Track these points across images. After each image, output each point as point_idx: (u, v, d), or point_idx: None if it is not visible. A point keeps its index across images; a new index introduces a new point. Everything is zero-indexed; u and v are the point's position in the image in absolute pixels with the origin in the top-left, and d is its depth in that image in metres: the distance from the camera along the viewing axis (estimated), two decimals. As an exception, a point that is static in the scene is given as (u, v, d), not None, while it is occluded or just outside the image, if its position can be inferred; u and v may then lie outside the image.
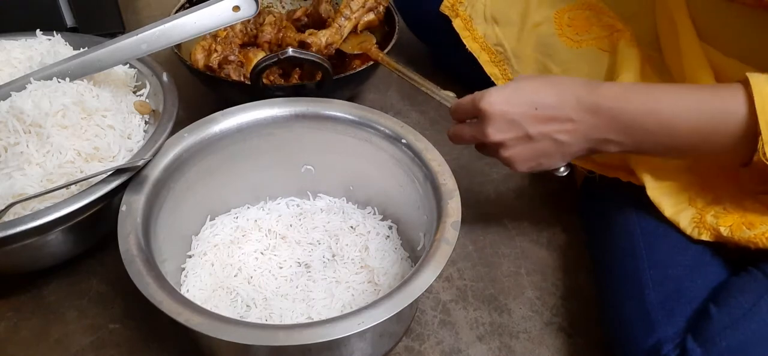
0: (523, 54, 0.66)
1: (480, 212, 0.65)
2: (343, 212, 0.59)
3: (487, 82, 0.67)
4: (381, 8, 0.70)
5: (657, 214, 0.50)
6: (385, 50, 0.71)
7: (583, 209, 0.63)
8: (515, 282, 0.58)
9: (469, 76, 0.73)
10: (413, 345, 0.52)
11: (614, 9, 0.65)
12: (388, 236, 0.56)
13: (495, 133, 0.49)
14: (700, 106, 0.44)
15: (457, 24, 0.70)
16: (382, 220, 0.58)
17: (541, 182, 0.69)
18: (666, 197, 0.50)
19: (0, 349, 0.50)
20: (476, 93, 0.51)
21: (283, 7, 0.86)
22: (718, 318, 0.42)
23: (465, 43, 0.69)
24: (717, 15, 0.52)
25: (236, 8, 0.55)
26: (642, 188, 0.51)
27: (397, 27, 0.75)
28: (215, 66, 0.70)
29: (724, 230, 0.46)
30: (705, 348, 0.41)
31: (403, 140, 0.53)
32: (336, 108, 0.56)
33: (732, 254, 0.48)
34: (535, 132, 0.48)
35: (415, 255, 0.54)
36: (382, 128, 0.55)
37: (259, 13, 0.81)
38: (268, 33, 0.76)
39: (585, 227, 0.62)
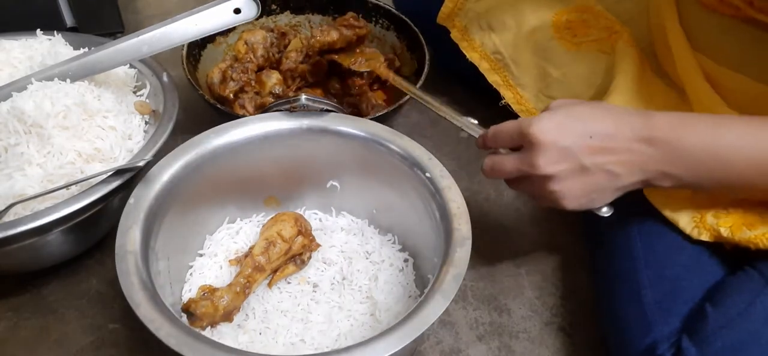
0: (522, 59, 0.66)
1: (480, 212, 0.65)
2: (362, 235, 0.57)
3: (489, 87, 0.68)
4: (307, 256, 0.54)
5: (655, 214, 0.50)
6: (418, 83, 0.66)
7: (582, 209, 0.64)
8: (515, 282, 0.58)
9: (469, 80, 0.73)
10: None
11: (612, 11, 0.65)
12: (402, 270, 0.54)
13: (546, 164, 0.44)
14: (761, 140, 0.43)
15: (454, 35, 0.70)
16: (400, 250, 0.56)
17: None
18: (665, 198, 0.51)
19: (0, 349, 0.50)
20: (521, 120, 0.47)
21: (312, 27, 0.80)
22: (713, 318, 0.42)
23: (465, 53, 0.69)
24: (706, 25, 0.52)
25: (237, 10, 0.55)
26: (641, 189, 0.52)
27: (427, 60, 0.71)
28: (231, 97, 0.67)
29: (725, 231, 0.47)
30: (700, 347, 0.41)
31: (427, 174, 0.51)
32: (368, 127, 0.54)
33: (729, 254, 0.48)
34: (590, 163, 0.44)
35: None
36: (410, 157, 0.52)
37: (284, 35, 0.76)
38: (292, 60, 0.72)
39: (584, 227, 0.62)
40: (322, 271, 0.54)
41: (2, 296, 0.54)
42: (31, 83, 0.52)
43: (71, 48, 0.60)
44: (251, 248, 0.52)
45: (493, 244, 0.62)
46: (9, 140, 0.49)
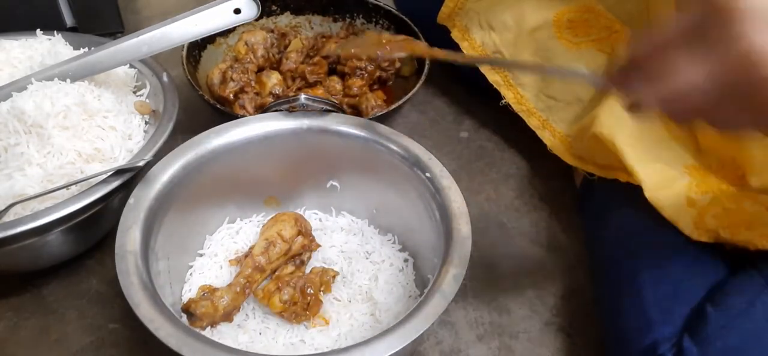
0: (522, 59, 0.66)
1: (480, 212, 0.65)
2: (362, 235, 0.57)
3: (489, 87, 0.68)
4: (307, 256, 0.54)
5: (655, 214, 0.51)
6: (418, 84, 0.67)
7: (582, 209, 0.64)
8: (515, 282, 0.58)
9: (470, 80, 0.73)
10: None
11: (612, 11, 0.65)
12: (402, 270, 0.54)
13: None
14: None
15: (455, 35, 0.70)
16: (400, 250, 0.56)
17: (541, 182, 0.69)
18: (664, 198, 0.51)
19: (0, 349, 0.50)
20: None
21: (312, 28, 0.80)
22: (714, 318, 0.42)
23: (465, 52, 0.69)
24: None
25: (237, 11, 0.55)
26: (641, 189, 0.52)
27: (427, 60, 0.71)
28: (230, 97, 0.67)
29: (723, 232, 0.47)
30: (701, 347, 0.41)
31: (427, 174, 0.51)
32: (368, 127, 0.54)
33: (729, 254, 0.48)
34: None
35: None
36: (410, 157, 0.52)
37: (284, 36, 0.77)
38: (292, 60, 0.72)
39: (584, 227, 0.62)
40: (322, 272, 0.54)
41: (2, 296, 0.54)
42: (31, 83, 0.52)
43: (71, 48, 0.60)
44: (251, 248, 0.52)
45: (493, 244, 0.62)
46: (9, 140, 0.49)
